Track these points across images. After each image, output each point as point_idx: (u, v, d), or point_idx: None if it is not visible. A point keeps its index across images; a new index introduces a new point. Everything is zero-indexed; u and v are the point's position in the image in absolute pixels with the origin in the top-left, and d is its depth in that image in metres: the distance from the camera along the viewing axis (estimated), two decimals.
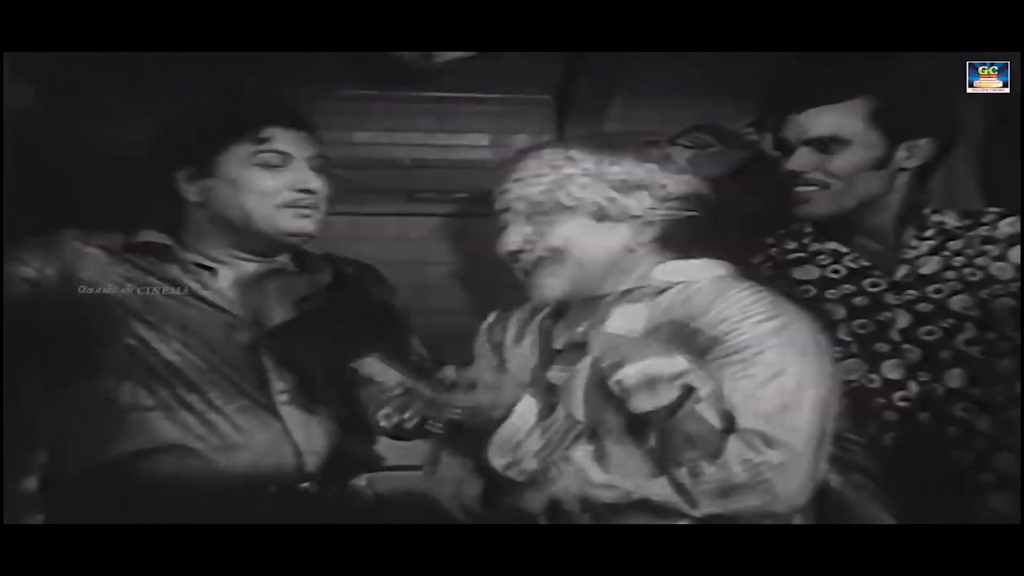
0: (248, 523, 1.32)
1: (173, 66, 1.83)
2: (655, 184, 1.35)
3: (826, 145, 1.55)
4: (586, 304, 1.39)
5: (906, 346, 1.56)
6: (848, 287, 1.62)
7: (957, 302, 1.56)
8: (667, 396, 1.19)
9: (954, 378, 1.54)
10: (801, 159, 1.56)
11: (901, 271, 1.61)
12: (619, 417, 1.23)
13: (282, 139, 1.56)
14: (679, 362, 1.20)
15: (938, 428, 1.52)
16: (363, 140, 2.15)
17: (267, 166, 1.55)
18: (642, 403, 1.20)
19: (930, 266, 1.60)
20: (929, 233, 1.62)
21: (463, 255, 2.22)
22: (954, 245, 1.60)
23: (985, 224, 1.60)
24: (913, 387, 1.55)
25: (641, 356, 1.20)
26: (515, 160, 1.43)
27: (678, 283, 1.34)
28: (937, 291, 1.58)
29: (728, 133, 1.74)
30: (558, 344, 1.35)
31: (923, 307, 1.58)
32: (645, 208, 1.34)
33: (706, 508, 1.20)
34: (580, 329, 1.33)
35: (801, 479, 1.21)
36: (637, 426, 1.22)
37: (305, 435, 1.53)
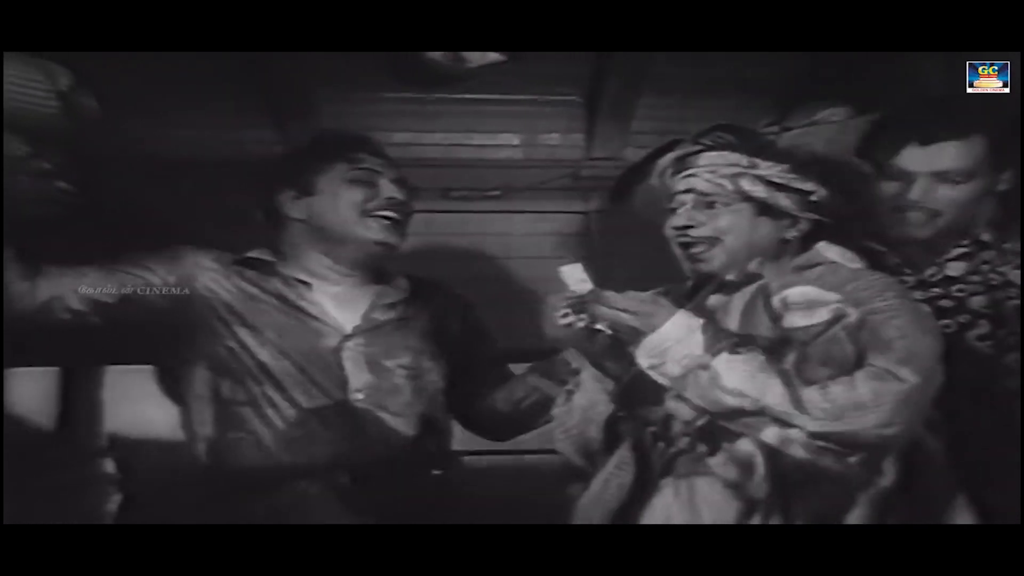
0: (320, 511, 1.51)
1: (222, 69, 1.97)
2: (806, 190, 1.51)
3: (952, 177, 1.63)
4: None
5: None
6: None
7: (975, 301, 1.65)
8: (820, 316, 1.35)
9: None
10: (923, 189, 1.64)
11: (930, 271, 1.70)
12: (768, 333, 1.38)
13: (370, 161, 1.77)
14: (834, 295, 1.37)
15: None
16: (401, 140, 2.26)
17: (359, 182, 1.75)
18: (797, 320, 1.36)
19: (957, 269, 1.68)
20: (966, 242, 1.69)
21: (497, 248, 2.32)
22: (985, 255, 1.68)
23: (1011, 238, 1.67)
24: None
25: (805, 282, 1.40)
26: (686, 153, 1.57)
27: (833, 262, 1.50)
28: (960, 291, 1.66)
29: (748, 132, 1.79)
30: (729, 276, 1.50)
31: (944, 303, 1.66)
32: (798, 209, 1.51)
33: (819, 425, 1.30)
34: (752, 266, 1.49)
35: (918, 410, 1.33)
36: (779, 344, 1.36)
37: (378, 431, 1.69)
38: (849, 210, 1.57)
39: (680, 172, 1.59)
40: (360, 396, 1.70)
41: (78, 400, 2.24)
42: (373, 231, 1.75)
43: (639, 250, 1.71)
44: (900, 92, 1.71)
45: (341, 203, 1.75)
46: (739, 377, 1.33)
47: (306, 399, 1.67)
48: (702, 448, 1.42)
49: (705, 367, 1.35)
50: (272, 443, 1.66)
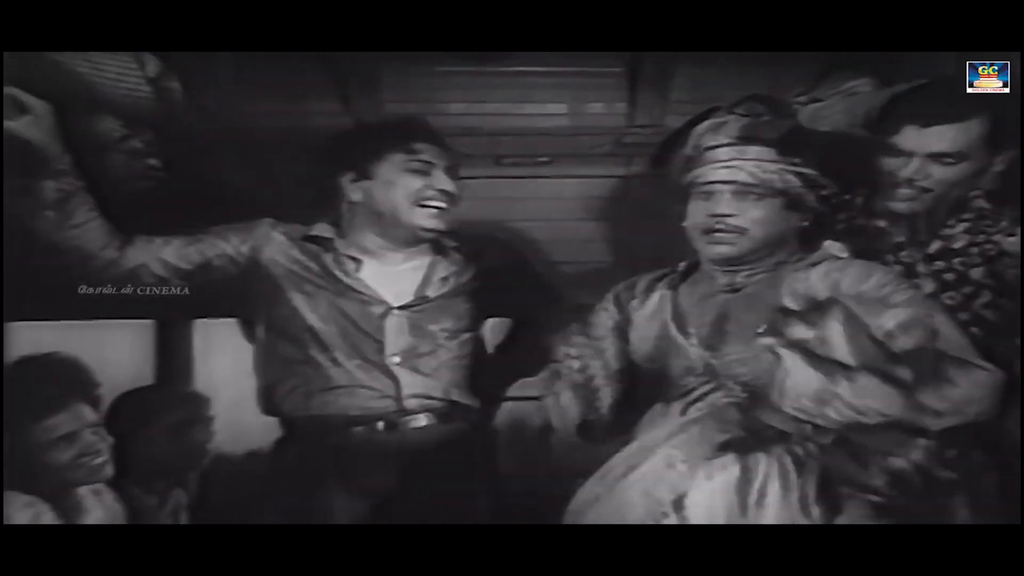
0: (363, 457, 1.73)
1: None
2: (821, 185, 1.69)
3: (945, 158, 1.75)
4: (726, 266, 1.71)
5: None
6: (888, 256, 1.83)
7: (976, 273, 1.78)
8: (917, 337, 1.53)
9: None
10: (918, 168, 1.76)
11: (935, 245, 1.82)
12: (882, 355, 1.54)
13: (428, 152, 1.95)
14: (912, 311, 1.55)
15: None
16: (457, 111, 2.42)
17: (415, 172, 1.94)
18: (906, 343, 1.53)
19: (960, 242, 1.80)
20: (967, 215, 1.81)
21: (545, 213, 2.49)
22: (982, 226, 1.80)
23: (1008, 204, 1.79)
24: None
25: (887, 311, 1.55)
26: (721, 122, 1.74)
27: (842, 257, 1.67)
28: (962, 264, 1.79)
29: (779, 103, 1.92)
30: (793, 305, 1.62)
31: (948, 276, 1.80)
32: (814, 202, 1.69)
33: (944, 422, 1.50)
34: (822, 297, 1.62)
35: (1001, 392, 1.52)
36: (895, 361, 1.53)
37: (410, 386, 1.93)
38: (848, 192, 1.70)
39: (715, 147, 1.72)
40: (396, 359, 1.94)
41: (172, 350, 2.52)
42: (423, 219, 1.96)
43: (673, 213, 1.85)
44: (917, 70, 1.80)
45: (397, 191, 1.95)
46: (869, 396, 1.50)
47: (347, 360, 1.91)
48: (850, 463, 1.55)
49: (836, 394, 1.50)
50: (319, 396, 1.91)
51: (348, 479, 1.91)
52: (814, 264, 1.66)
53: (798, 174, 1.67)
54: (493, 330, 2.18)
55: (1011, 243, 1.76)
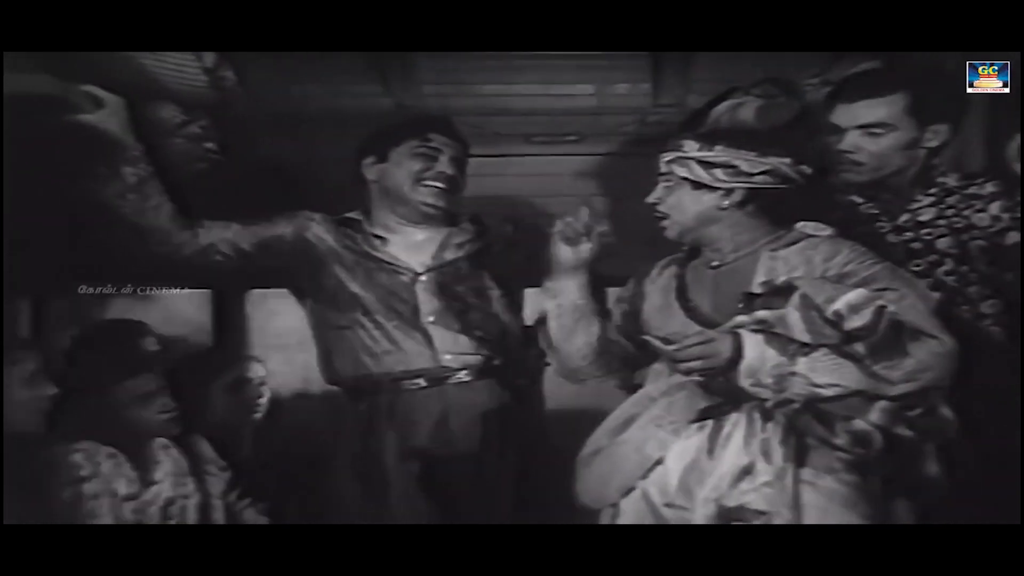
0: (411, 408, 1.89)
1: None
2: (730, 163, 1.80)
3: (873, 129, 1.92)
4: (709, 250, 1.86)
5: None
6: (862, 228, 2.00)
7: (942, 243, 1.95)
8: (867, 316, 1.65)
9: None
10: (852, 141, 1.95)
11: (903, 217, 2.00)
12: (837, 334, 1.67)
13: (437, 141, 2.17)
14: (864, 292, 1.68)
15: None
16: (490, 92, 2.56)
17: (421, 156, 2.17)
18: (856, 322, 1.66)
19: (927, 215, 1.97)
20: (933, 190, 1.98)
21: (572, 189, 2.64)
22: (950, 200, 1.96)
23: (976, 184, 1.95)
24: None
25: (840, 292, 1.68)
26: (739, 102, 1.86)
27: (811, 236, 1.81)
28: (928, 234, 1.97)
29: (794, 85, 2.05)
30: (755, 289, 1.77)
31: (915, 246, 1.98)
32: (734, 181, 1.79)
33: (900, 389, 1.64)
34: (780, 280, 1.76)
35: (956, 360, 1.66)
36: (849, 339, 1.67)
37: (443, 344, 2.14)
38: (800, 174, 1.81)
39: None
40: (431, 319, 2.16)
41: (228, 318, 2.72)
42: (423, 195, 2.17)
43: None
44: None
45: (402, 171, 2.17)
46: (826, 372, 1.64)
47: (387, 322, 2.14)
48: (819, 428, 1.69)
49: (793, 372, 1.65)
50: (367, 357, 2.14)
51: (397, 433, 2.13)
52: (790, 244, 1.80)
53: (696, 160, 1.79)
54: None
55: (980, 217, 1.93)
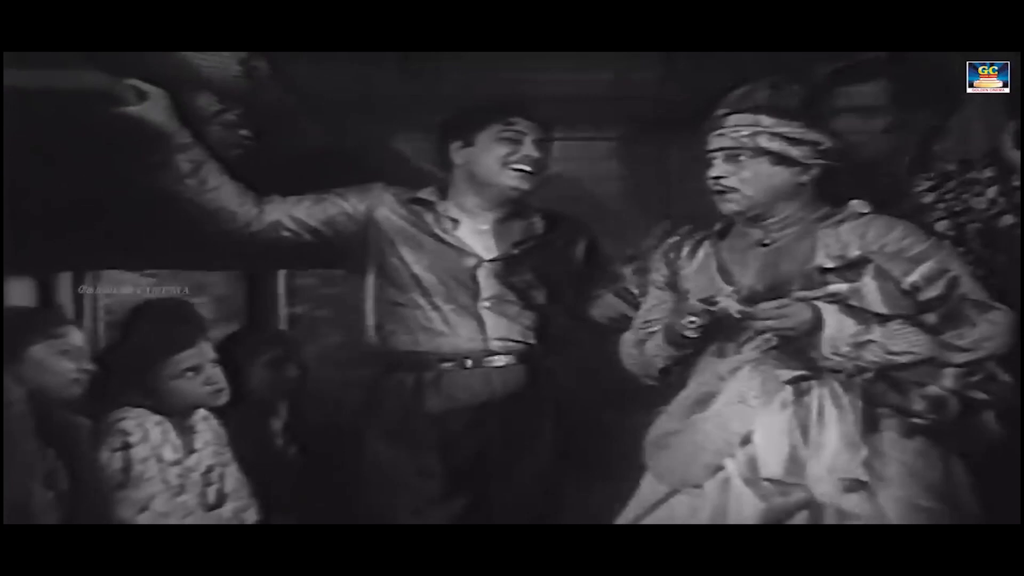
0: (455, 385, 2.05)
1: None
2: (814, 141, 1.88)
3: (868, 113, 2.04)
4: (755, 228, 1.93)
5: None
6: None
7: (941, 226, 2.05)
8: (940, 287, 1.76)
9: None
10: (845, 123, 2.02)
11: (905, 203, 2.09)
12: (912, 304, 1.78)
13: (521, 124, 2.25)
14: (935, 264, 1.79)
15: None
16: (510, 79, 2.64)
17: (507, 140, 2.24)
18: (931, 293, 1.77)
19: (927, 199, 2.08)
20: (932, 175, 2.08)
21: (597, 172, 2.74)
22: (949, 184, 2.06)
23: (975, 169, 2.04)
24: None
25: (914, 265, 1.79)
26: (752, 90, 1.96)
27: (865, 213, 1.88)
28: (927, 218, 2.06)
29: (807, 73, 2.13)
30: (828, 263, 1.84)
31: None
32: (807, 158, 1.88)
33: (968, 356, 1.74)
34: (853, 254, 1.83)
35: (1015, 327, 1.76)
36: (922, 309, 1.78)
37: (495, 330, 2.26)
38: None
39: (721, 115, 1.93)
40: (487, 304, 2.25)
41: (259, 297, 2.85)
42: (510, 179, 2.25)
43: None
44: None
45: (490, 155, 2.25)
46: (902, 340, 1.74)
47: (444, 304, 2.24)
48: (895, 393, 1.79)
49: (870, 341, 1.74)
50: (420, 335, 2.24)
51: (441, 401, 2.25)
52: (841, 221, 1.87)
53: (780, 135, 1.85)
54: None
55: (977, 201, 2.03)
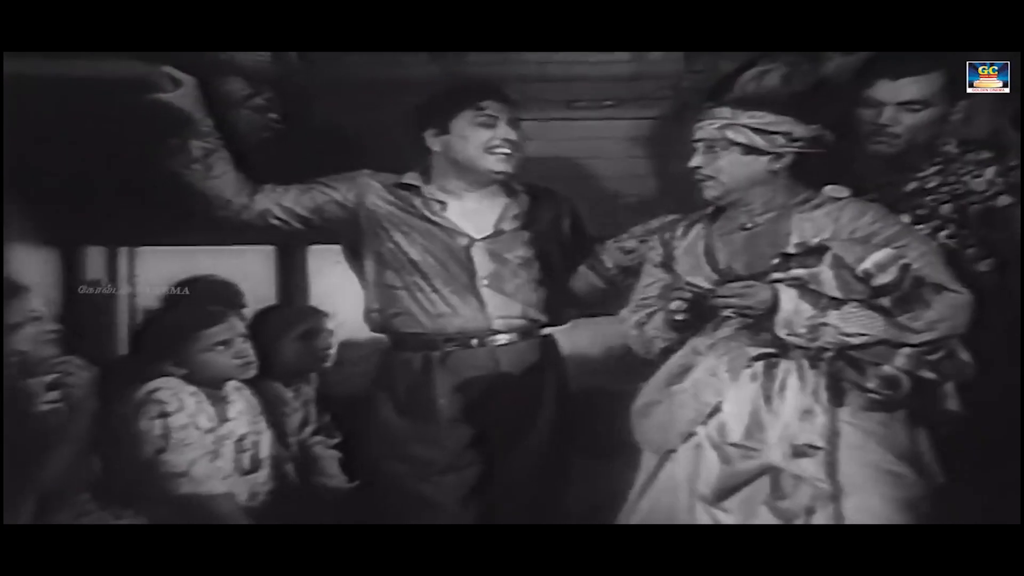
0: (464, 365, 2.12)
1: None
2: (784, 131, 1.96)
3: (912, 106, 2.07)
4: (740, 212, 2.02)
5: None
6: (874, 195, 2.13)
7: (944, 209, 2.12)
8: (893, 272, 1.85)
9: None
10: (890, 115, 2.09)
11: (911, 185, 2.16)
12: (866, 289, 1.86)
13: (492, 107, 2.30)
14: (890, 251, 1.87)
15: None
16: (533, 59, 2.71)
17: (483, 125, 2.30)
18: (883, 279, 1.85)
19: (933, 183, 2.13)
20: (939, 159, 2.13)
21: (609, 151, 2.81)
22: (953, 167, 2.12)
23: (973, 151, 2.10)
24: None
25: (869, 252, 1.87)
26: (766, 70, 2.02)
27: (838, 198, 1.98)
28: (933, 201, 2.13)
29: (820, 55, 2.19)
30: (791, 250, 1.95)
31: (920, 211, 2.14)
32: (779, 146, 1.96)
33: (922, 337, 1.83)
34: (821, 239, 1.94)
35: (972, 310, 1.85)
36: (876, 294, 1.86)
37: (496, 308, 2.33)
38: (833, 140, 1.97)
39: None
40: (485, 283, 2.33)
41: (290, 273, 2.97)
42: (493, 163, 2.32)
43: None
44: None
45: (468, 142, 2.31)
46: (855, 323, 1.84)
47: (443, 287, 2.32)
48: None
49: (825, 323, 1.85)
50: (423, 318, 2.33)
51: (449, 379, 2.35)
52: (818, 206, 1.97)
53: (748, 127, 1.94)
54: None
55: (977, 183, 2.09)
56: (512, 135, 2.32)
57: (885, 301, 1.83)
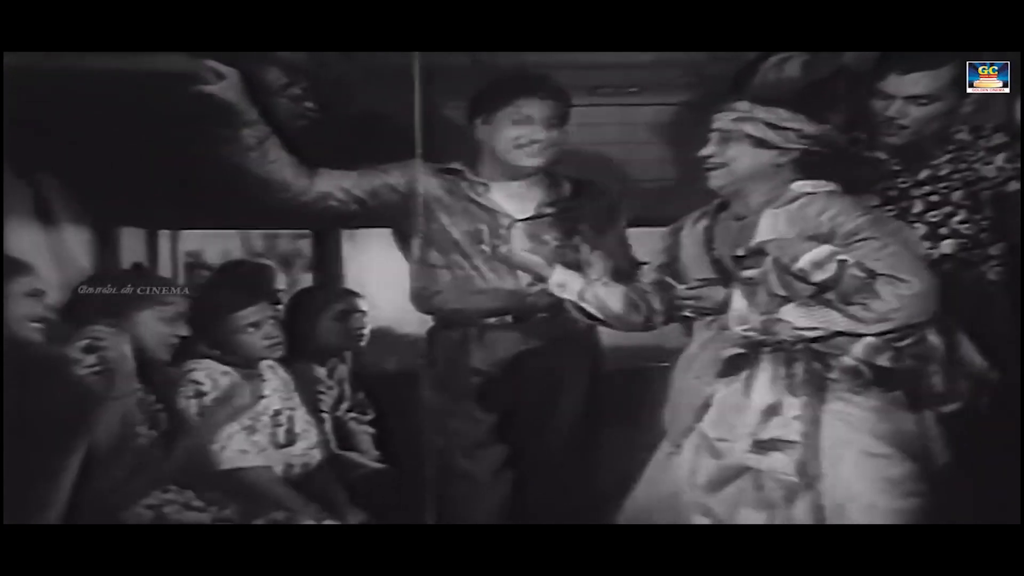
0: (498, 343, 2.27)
1: None
2: (796, 126, 2.03)
3: (920, 100, 2.12)
4: (739, 203, 2.10)
5: (917, 224, 2.21)
6: (886, 183, 2.25)
7: (956, 195, 2.19)
8: (832, 268, 1.93)
9: (948, 246, 2.21)
10: (898, 108, 2.15)
11: (924, 173, 2.22)
12: (807, 287, 1.94)
13: (528, 107, 2.41)
14: (826, 248, 1.94)
15: None
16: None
17: (518, 123, 2.42)
18: (819, 276, 1.94)
19: (945, 170, 2.20)
20: (951, 147, 2.19)
21: (633, 136, 2.89)
22: (965, 154, 2.18)
23: (984, 137, 2.16)
24: None
25: (804, 251, 1.95)
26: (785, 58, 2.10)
27: (807, 193, 2.04)
28: (945, 188, 2.20)
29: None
30: (740, 252, 2.04)
31: (933, 198, 2.21)
32: (787, 141, 2.04)
33: (876, 328, 1.89)
34: (754, 242, 2.03)
35: (929, 297, 1.89)
36: (820, 290, 1.95)
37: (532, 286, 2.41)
38: (844, 136, 2.05)
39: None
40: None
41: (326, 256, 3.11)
42: (521, 159, 2.44)
43: None
44: None
45: (503, 137, 2.43)
46: (808, 317, 1.92)
47: (483, 265, 2.43)
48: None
49: (779, 319, 1.93)
50: (462, 295, 2.44)
51: (484, 354, 2.47)
52: (789, 202, 2.03)
53: (761, 121, 2.02)
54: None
55: (987, 169, 2.16)
56: (540, 135, 2.42)
57: (832, 295, 1.90)
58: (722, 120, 2.08)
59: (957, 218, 2.21)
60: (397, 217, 2.54)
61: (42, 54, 1.94)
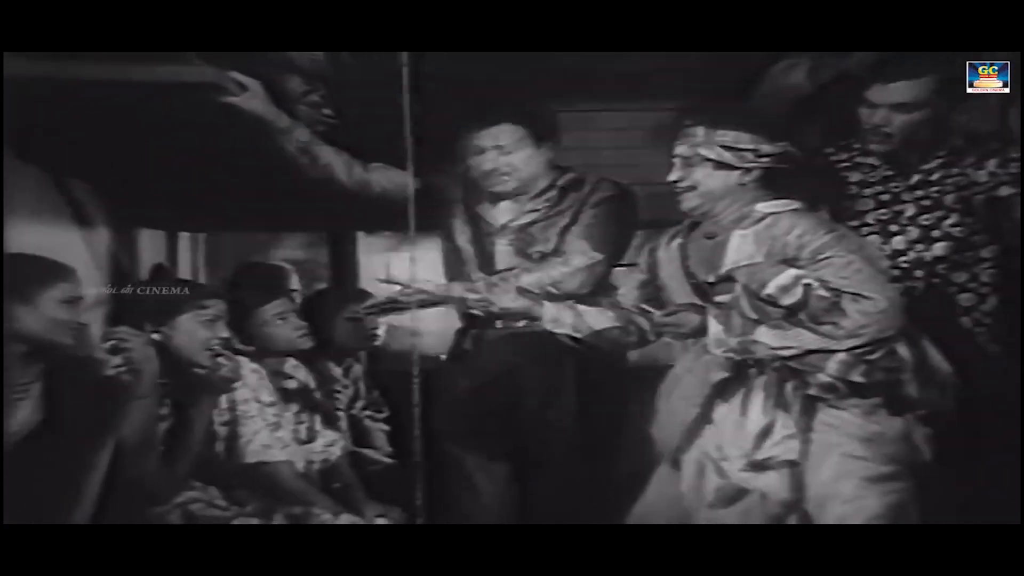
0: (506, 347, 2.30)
1: None
2: (751, 146, 2.10)
3: (902, 108, 2.19)
4: (710, 222, 2.17)
5: (909, 228, 2.28)
6: (879, 187, 2.31)
7: (949, 199, 2.25)
8: (798, 293, 2.01)
9: (940, 248, 2.27)
10: (883, 116, 2.22)
11: (916, 177, 2.29)
12: (777, 310, 2.01)
13: (501, 135, 2.48)
14: (791, 273, 2.01)
15: (927, 283, 2.27)
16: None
17: (486, 151, 2.49)
18: (787, 300, 2.01)
19: (937, 175, 2.26)
20: (943, 152, 2.25)
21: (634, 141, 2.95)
22: (956, 159, 2.25)
23: (976, 142, 2.23)
24: (911, 254, 2.28)
25: (771, 276, 2.02)
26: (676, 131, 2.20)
27: (772, 213, 2.10)
28: (937, 191, 2.26)
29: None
30: (711, 279, 2.12)
31: (925, 202, 2.28)
32: (747, 161, 2.10)
33: (848, 343, 1.98)
34: (724, 270, 2.11)
35: (894, 313, 1.97)
36: (790, 312, 2.02)
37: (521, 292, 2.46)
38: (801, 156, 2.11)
39: None
40: (511, 269, 2.49)
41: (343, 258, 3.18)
42: (491, 185, 2.51)
43: None
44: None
45: (479, 171, 2.50)
46: (779, 338, 2.00)
47: (476, 272, 2.50)
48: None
49: (755, 340, 2.02)
50: (468, 300, 2.45)
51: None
52: (755, 223, 2.10)
53: (718, 144, 2.09)
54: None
55: (979, 174, 2.23)
56: (503, 165, 2.47)
57: (802, 316, 1.98)
58: (681, 147, 2.15)
59: (949, 221, 2.28)
60: (430, 217, 2.58)
61: (75, 63, 2.04)
